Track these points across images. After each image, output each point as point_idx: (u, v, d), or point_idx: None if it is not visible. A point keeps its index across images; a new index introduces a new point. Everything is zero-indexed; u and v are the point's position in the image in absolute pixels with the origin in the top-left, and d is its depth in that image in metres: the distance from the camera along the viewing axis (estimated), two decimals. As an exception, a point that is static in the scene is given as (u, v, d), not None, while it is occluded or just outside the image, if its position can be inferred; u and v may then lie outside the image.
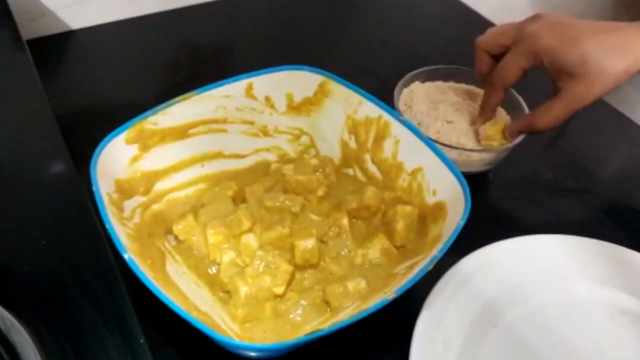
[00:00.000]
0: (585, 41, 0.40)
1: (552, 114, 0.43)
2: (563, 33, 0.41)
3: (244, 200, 0.43)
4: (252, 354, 0.33)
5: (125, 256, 0.32)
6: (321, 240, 0.41)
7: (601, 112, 0.60)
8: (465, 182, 0.39)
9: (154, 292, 0.31)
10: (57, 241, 0.34)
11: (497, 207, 0.49)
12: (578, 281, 0.43)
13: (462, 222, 0.36)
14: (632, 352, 0.39)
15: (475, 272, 0.41)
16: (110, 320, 0.29)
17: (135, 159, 0.41)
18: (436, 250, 0.35)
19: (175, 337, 0.37)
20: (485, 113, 0.48)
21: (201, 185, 0.44)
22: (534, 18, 0.43)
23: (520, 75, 0.44)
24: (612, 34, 0.41)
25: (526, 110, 0.49)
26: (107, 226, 0.33)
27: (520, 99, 0.50)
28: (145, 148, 0.41)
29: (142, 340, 0.28)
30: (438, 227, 0.39)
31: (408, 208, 0.41)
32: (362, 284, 0.38)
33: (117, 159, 0.39)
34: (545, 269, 0.43)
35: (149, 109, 0.41)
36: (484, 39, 0.46)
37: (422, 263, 0.35)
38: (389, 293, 0.33)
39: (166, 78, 0.59)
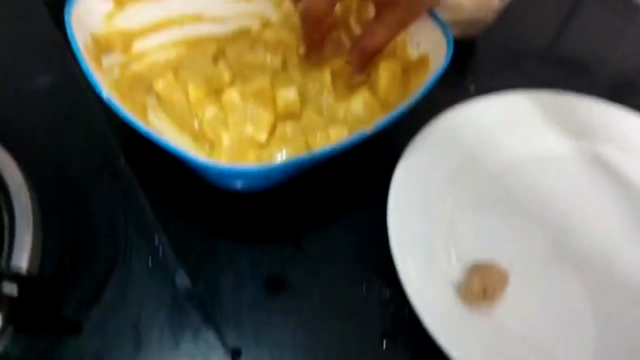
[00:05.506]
0: None
1: (378, 38, 0.39)
2: None
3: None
4: (239, 181, 0.34)
5: (104, 95, 0.32)
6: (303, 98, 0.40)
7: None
8: (447, 30, 0.38)
9: (135, 127, 0.31)
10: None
11: (482, 70, 0.49)
12: (554, 135, 0.43)
13: (443, 67, 0.36)
14: (609, 199, 0.41)
15: (454, 127, 0.42)
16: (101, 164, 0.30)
17: (110, 16, 0.39)
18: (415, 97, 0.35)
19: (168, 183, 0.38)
20: (309, 53, 0.42)
21: (181, 49, 0.44)
22: None
23: (331, 9, 0.38)
24: None
25: None
26: (82, 66, 0.32)
27: None
28: (119, 4, 0.40)
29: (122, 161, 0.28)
30: (420, 80, 0.39)
31: (391, 61, 0.41)
32: (344, 132, 0.38)
33: (92, 12, 0.38)
34: (521, 124, 0.43)
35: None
36: None
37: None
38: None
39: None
